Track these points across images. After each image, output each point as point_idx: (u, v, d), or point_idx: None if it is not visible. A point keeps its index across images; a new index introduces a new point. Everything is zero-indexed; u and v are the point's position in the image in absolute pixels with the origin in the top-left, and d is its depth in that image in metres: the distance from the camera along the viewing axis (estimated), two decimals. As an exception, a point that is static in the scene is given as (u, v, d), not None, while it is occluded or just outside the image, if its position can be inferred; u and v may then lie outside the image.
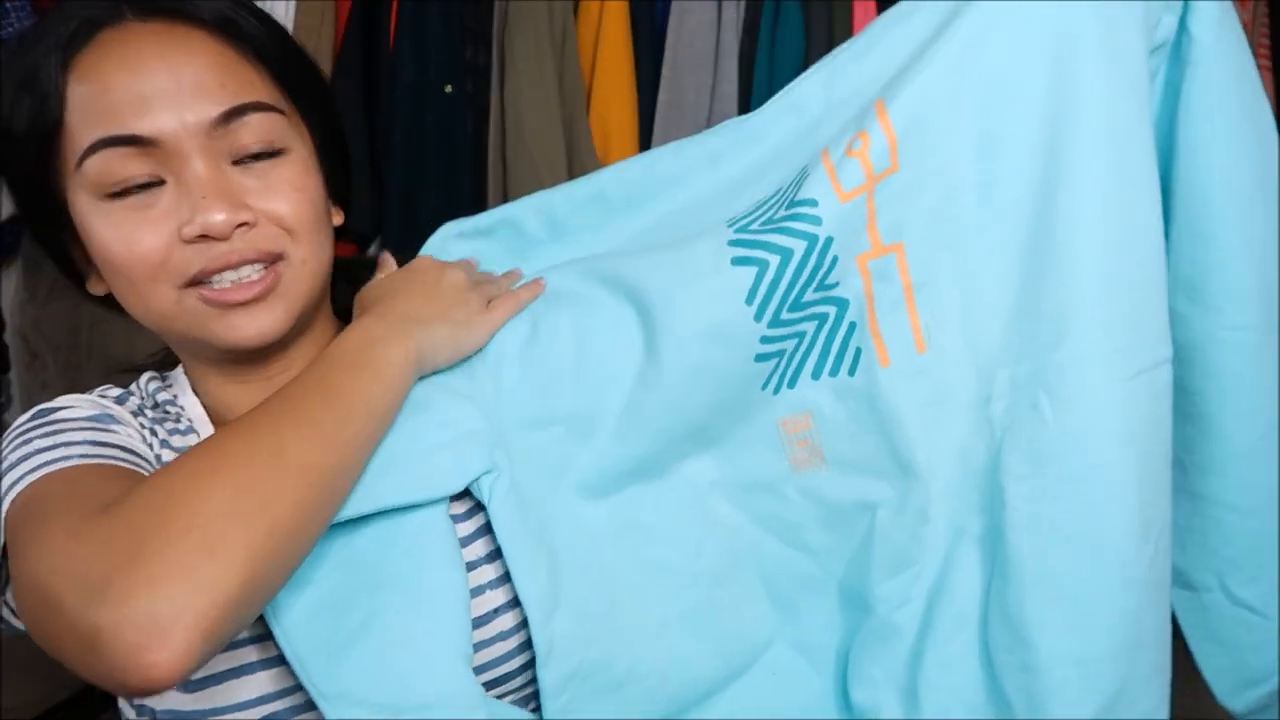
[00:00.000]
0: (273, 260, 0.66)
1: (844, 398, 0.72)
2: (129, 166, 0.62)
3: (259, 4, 0.71)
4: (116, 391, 0.71)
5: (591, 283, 0.75)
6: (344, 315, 0.77)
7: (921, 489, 0.71)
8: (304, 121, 0.71)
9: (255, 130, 0.66)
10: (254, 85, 0.66)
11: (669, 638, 0.71)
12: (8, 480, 0.60)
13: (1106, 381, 0.65)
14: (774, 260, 0.69)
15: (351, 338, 0.65)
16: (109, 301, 0.70)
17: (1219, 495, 0.75)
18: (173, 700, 0.61)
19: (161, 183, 0.63)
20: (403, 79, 1.92)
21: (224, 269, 0.64)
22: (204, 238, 0.63)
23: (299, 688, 0.61)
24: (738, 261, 0.69)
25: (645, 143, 1.97)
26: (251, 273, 0.65)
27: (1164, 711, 0.68)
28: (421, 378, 0.70)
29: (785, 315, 0.70)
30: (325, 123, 0.73)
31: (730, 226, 0.72)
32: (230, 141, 0.65)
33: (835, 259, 0.69)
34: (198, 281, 0.64)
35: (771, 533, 0.76)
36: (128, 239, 0.63)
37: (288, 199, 0.67)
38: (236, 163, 0.65)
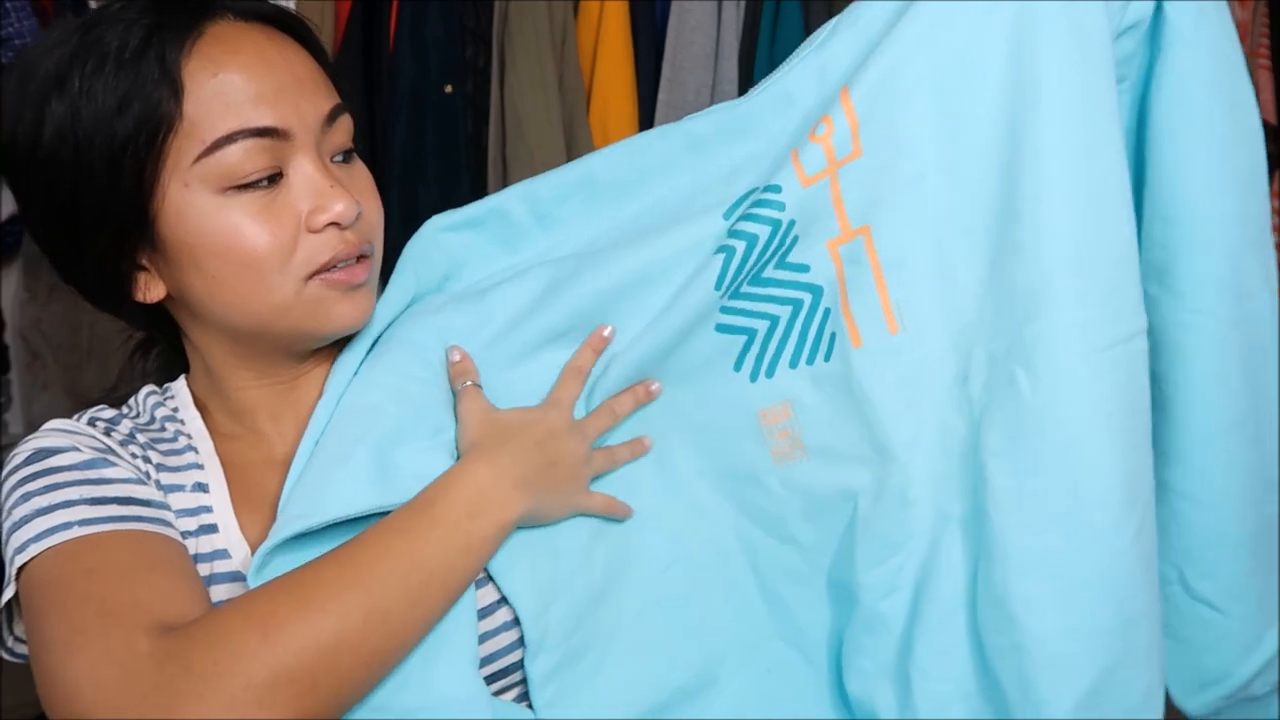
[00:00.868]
0: (364, 254, 0.68)
1: (821, 384, 0.72)
2: (258, 159, 0.62)
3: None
4: (109, 413, 0.70)
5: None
6: None
7: (900, 471, 0.70)
8: None
9: (344, 130, 0.68)
10: (331, 88, 0.68)
11: (646, 622, 0.71)
12: (15, 540, 0.60)
13: (1083, 353, 0.64)
14: (740, 246, 0.71)
15: (459, 496, 0.63)
16: (151, 309, 0.69)
17: (1178, 484, 0.73)
18: None
19: (281, 176, 0.64)
20: (403, 79, 1.92)
21: (349, 256, 0.66)
22: (331, 225, 0.64)
23: None
24: (717, 250, 0.72)
25: (645, 143, 1.97)
26: (354, 262, 0.67)
27: (1159, 691, 0.67)
28: (417, 379, 0.71)
29: (746, 289, 0.72)
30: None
31: (725, 218, 0.73)
32: (330, 139, 0.67)
33: (797, 238, 0.70)
34: (315, 273, 0.65)
35: (757, 524, 0.76)
36: (256, 232, 0.63)
37: (374, 198, 0.69)
38: (335, 159, 0.68)
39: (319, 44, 0.70)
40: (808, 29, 1.87)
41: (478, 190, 1.98)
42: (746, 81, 1.91)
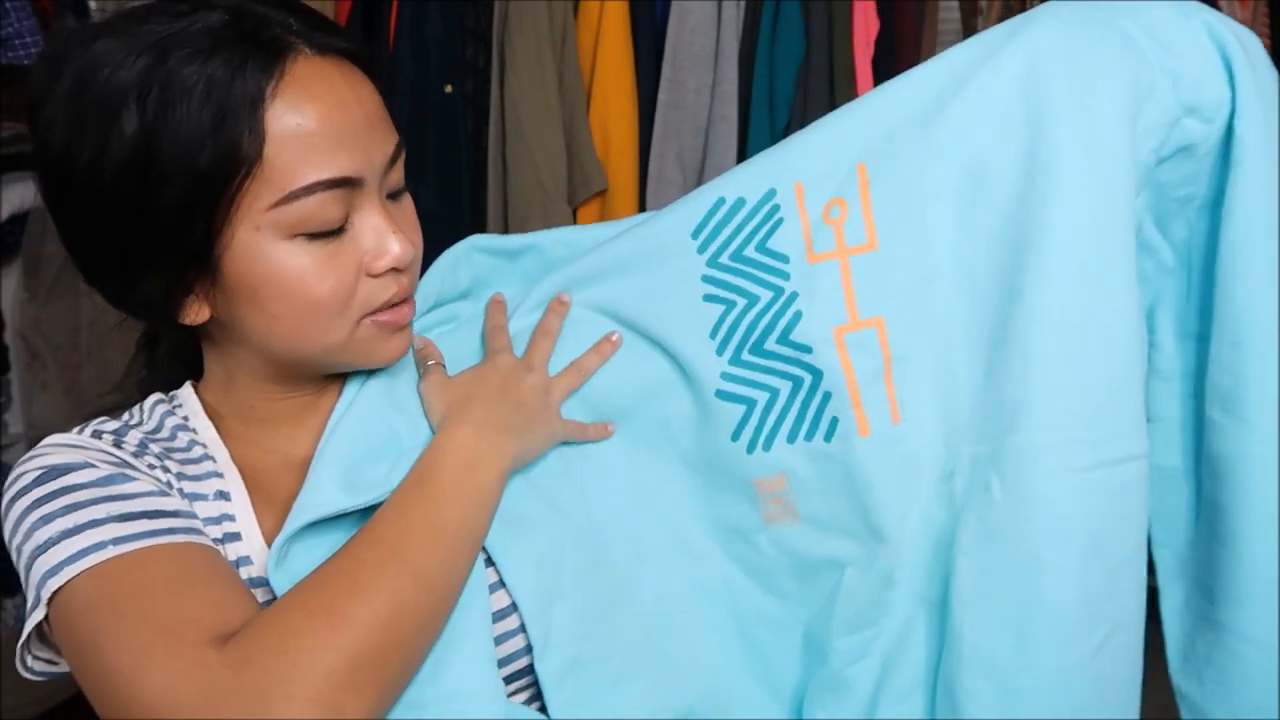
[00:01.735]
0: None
1: (819, 462, 0.74)
2: (331, 210, 0.62)
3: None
4: (113, 424, 0.69)
5: (583, 309, 0.80)
6: None
7: (889, 553, 0.72)
8: None
9: (400, 168, 0.68)
10: (393, 125, 0.68)
11: (652, 643, 0.73)
12: (43, 564, 0.59)
13: (1055, 471, 0.66)
14: (740, 302, 0.74)
15: (453, 457, 0.66)
16: (190, 333, 0.70)
17: (1241, 627, 0.71)
18: None
19: (347, 221, 0.64)
20: (403, 79, 1.92)
21: (405, 296, 0.68)
22: (393, 270, 0.66)
23: None
24: (708, 299, 0.75)
25: (645, 143, 1.97)
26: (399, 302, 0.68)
27: None
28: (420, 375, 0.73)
29: (746, 357, 0.74)
30: None
31: (700, 252, 0.75)
32: (390, 179, 0.67)
33: (799, 314, 0.73)
34: (372, 311, 0.66)
35: (745, 573, 0.78)
36: (318, 276, 0.63)
37: (417, 232, 0.70)
38: (388, 198, 0.68)
39: (380, 70, 0.70)
40: (808, 29, 1.87)
41: (478, 190, 1.98)
42: (746, 82, 1.91)
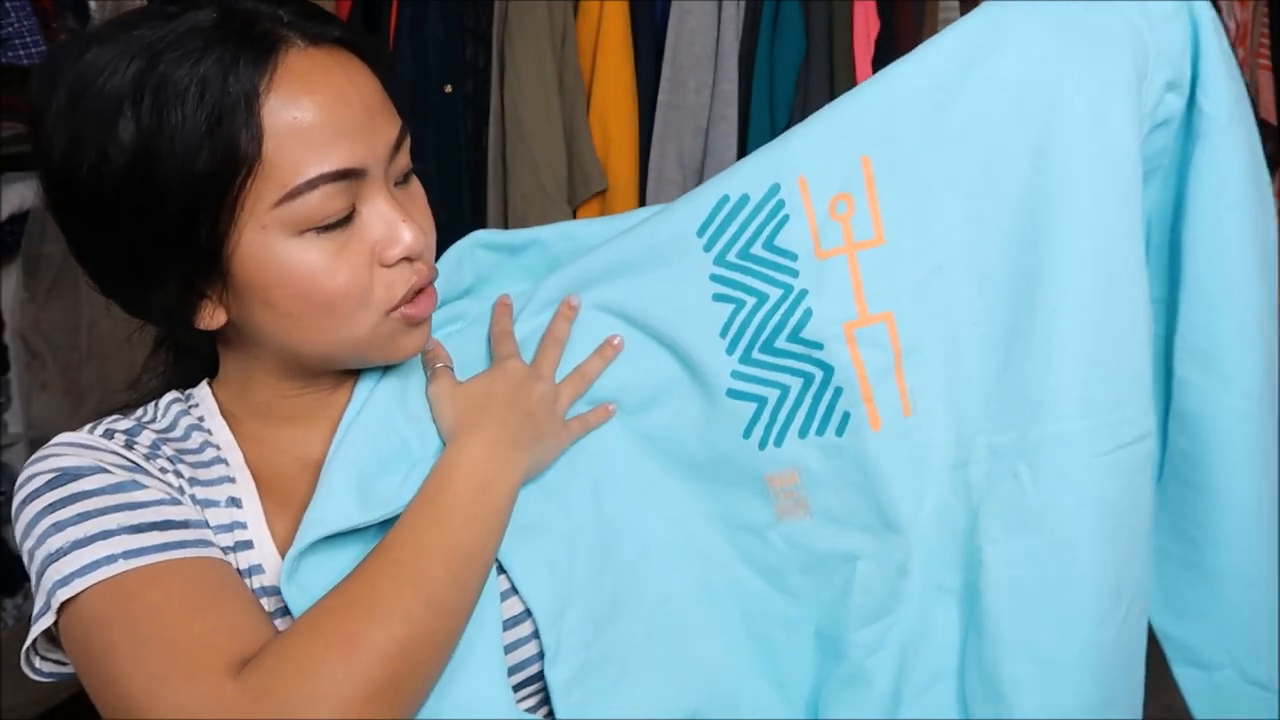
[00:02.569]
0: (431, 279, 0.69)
1: (831, 456, 0.74)
2: (336, 202, 0.61)
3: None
4: (126, 424, 0.68)
5: (590, 310, 0.80)
6: None
7: (902, 544, 0.73)
8: None
9: (406, 153, 0.67)
10: (393, 108, 0.67)
11: (655, 646, 0.73)
12: (55, 573, 0.58)
13: (1085, 457, 0.68)
14: (750, 301, 0.74)
15: (466, 474, 0.66)
16: (207, 335, 0.69)
17: (1225, 568, 0.75)
18: None
19: (354, 212, 0.63)
20: (403, 79, 1.92)
21: (425, 283, 0.67)
22: (404, 259, 0.65)
23: None
24: (718, 298, 0.75)
25: (645, 143, 1.97)
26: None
27: None
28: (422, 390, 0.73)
29: (757, 355, 0.74)
30: None
31: (706, 250, 0.75)
32: (395, 165, 0.66)
33: (809, 311, 0.73)
34: (398, 305, 0.66)
35: (754, 571, 0.78)
36: (330, 271, 0.62)
37: (430, 220, 0.69)
38: (397, 183, 0.67)
39: (381, 57, 0.68)
40: (808, 29, 1.87)
41: (478, 190, 1.98)
42: (746, 82, 1.91)
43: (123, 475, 0.62)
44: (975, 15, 0.71)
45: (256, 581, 0.64)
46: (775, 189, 0.73)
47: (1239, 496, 0.74)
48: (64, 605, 0.58)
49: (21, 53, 1.93)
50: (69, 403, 2.09)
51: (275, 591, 0.64)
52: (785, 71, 1.87)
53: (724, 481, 0.77)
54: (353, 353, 0.67)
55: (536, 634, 0.68)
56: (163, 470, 0.65)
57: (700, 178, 1.92)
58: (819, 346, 0.73)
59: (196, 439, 0.69)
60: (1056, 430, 0.68)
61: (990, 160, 0.70)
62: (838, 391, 0.73)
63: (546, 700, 0.68)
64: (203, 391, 0.72)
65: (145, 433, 0.67)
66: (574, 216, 1.97)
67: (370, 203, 0.63)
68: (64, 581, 0.58)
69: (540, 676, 0.68)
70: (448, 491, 0.65)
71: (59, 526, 0.59)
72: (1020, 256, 0.69)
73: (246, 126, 0.58)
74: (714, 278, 0.75)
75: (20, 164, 2.00)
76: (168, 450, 0.66)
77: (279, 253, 0.61)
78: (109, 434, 0.66)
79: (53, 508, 0.60)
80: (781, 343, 0.74)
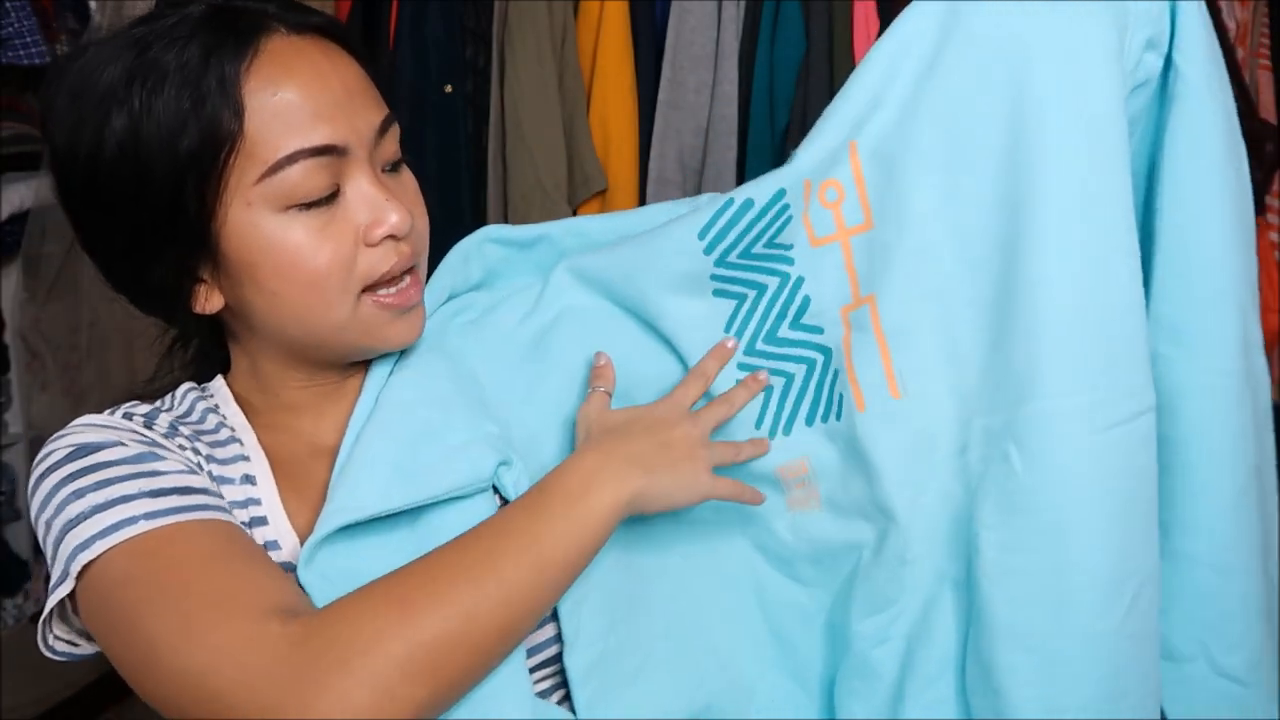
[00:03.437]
0: (412, 266, 0.69)
1: (835, 441, 0.74)
2: (318, 178, 0.63)
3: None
4: (144, 409, 0.69)
5: (598, 299, 0.79)
6: None
7: (899, 533, 0.72)
8: None
9: (393, 140, 0.68)
10: (379, 98, 0.69)
11: (672, 637, 0.73)
12: (74, 538, 0.59)
13: (1079, 435, 0.65)
14: (751, 294, 0.74)
15: (571, 477, 0.65)
16: (212, 328, 0.71)
17: (1202, 554, 0.72)
18: None
19: (338, 191, 0.64)
20: (403, 79, 1.92)
21: (405, 267, 0.67)
22: (388, 238, 0.65)
23: None
24: (718, 295, 0.75)
25: (645, 143, 1.97)
26: (404, 277, 0.68)
27: None
28: (448, 380, 0.72)
29: (761, 346, 0.75)
30: None
31: (706, 253, 0.75)
32: (382, 150, 0.67)
33: (808, 298, 0.73)
34: (368, 289, 0.66)
35: (768, 560, 0.78)
36: (314, 248, 0.63)
37: (420, 208, 0.70)
38: (385, 169, 0.68)
39: (366, 51, 0.70)
40: (808, 29, 1.87)
41: (478, 190, 1.98)
42: (746, 82, 1.90)
43: (141, 448, 0.63)
44: None
45: (274, 557, 0.65)
46: (781, 194, 0.73)
47: (1213, 479, 0.71)
48: (84, 572, 0.58)
49: (21, 53, 1.93)
50: (69, 403, 2.10)
51: (291, 569, 0.64)
52: (785, 71, 1.87)
53: (736, 474, 0.76)
54: (339, 338, 0.67)
55: (555, 616, 0.68)
56: (180, 447, 0.66)
57: (700, 178, 1.92)
58: (819, 331, 0.73)
59: (212, 421, 0.70)
60: (1045, 408, 0.65)
61: (966, 133, 0.68)
62: (835, 374, 0.73)
63: (563, 684, 0.68)
64: (218, 383, 0.74)
65: (163, 416, 0.69)
66: (574, 216, 1.97)
67: (354, 182, 0.65)
68: (84, 545, 0.58)
69: (556, 659, 0.68)
70: (547, 493, 0.64)
71: (79, 493, 0.60)
72: (1002, 231, 0.67)
73: (228, 105, 0.61)
74: (714, 277, 0.75)
75: (20, 164, 2.00)
76: (185, 430, 0.68)
77: (263, 229, 0.63)
78: (128, 416, 0.68)
79: (72, 477, 0.61)
80: (785, 331, 0.75)
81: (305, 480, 0.69)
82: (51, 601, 0.60)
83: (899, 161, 0.70)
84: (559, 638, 0.68)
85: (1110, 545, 0.65)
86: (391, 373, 0.72)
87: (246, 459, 0.68)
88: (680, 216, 0.77)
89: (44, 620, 0.63)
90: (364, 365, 0.73)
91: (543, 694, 0.68)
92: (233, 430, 0.70)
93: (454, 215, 1.96)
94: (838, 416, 0.73)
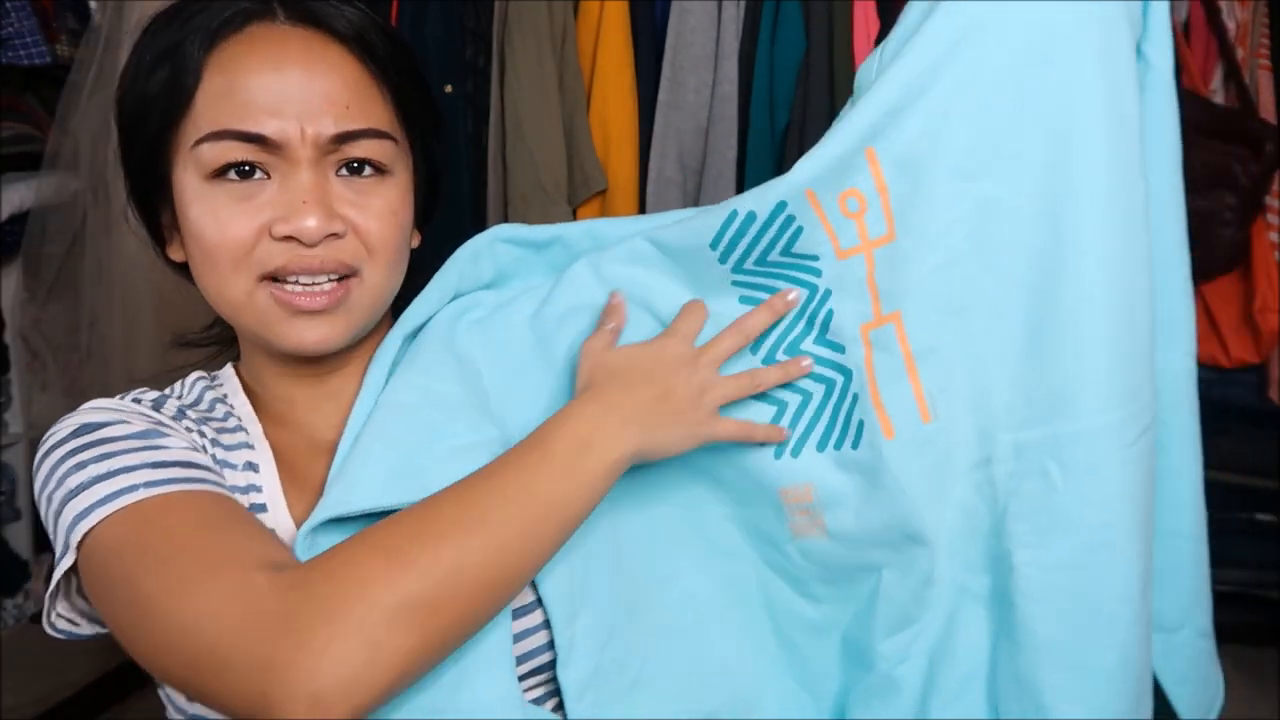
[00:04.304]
0: (347, 275, 0.67)
1: (849, 471, 0.71)
2: (233, 154, 0.64)
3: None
4: (152, 394, 0.70)
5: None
6: (396, 309, 0.76)
7: (928, 554, 0.70)
8: (411, 147, 0.72)
9: (366, 149, 0.67)
10: (375, 109, 0.67)
11: (674, 647, 0.72)
12: (75, 507, 0.59)
13: (1113, 450, 0.65)
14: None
15: (568, 433, 0.64)
16: (182, 270, 0.72)
17: (1185, 529, 0.75)
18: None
19: (265, 176, 0.65)
20: (403, 79, 1.92)
21: (303, 272, 0.65)
22: (292, 239, 0.64)
23: None
24: (744, 300, 0.73)
25: (645, 143, 1.97)
26: (325, 282, 0.66)
27: None
28: (451, 381, 0.71)
29: (781, 356, 0.72)
30: (430, 150, 0.75)
31: (721, 261, 0.72)
32: (340, 154, 0.66)
33: (831, 312, 0.70)
34: (273, 278, 0.65)
35: (778, 575, 0.77)
36: (221, 223, 0.64)
37: (381, 220, 0.67)
38: (341, 171, 0.67)
39: (384, 55, 0.68)
40: (808, 29, 1.87)
41: (478, 190, 1.98)
42: (746, 82, 1.91)
43: (147, 425, 0.64)
44: None
45: None
46: (782, 205, 0.69)
47: (1189, 456, 0.74)
48: (84, 541, 0.59)
49: (21, 53, 1.94)
50: (69, 403, 2.08)
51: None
52: (785, 71, 1.87)
53: (744, 488, 0.75)
54: (239, 320, 0.68)
55: (547, 624, 0.67)
56: (187, 429, 0.67)
57: (700, 178, 1.92)
58: (841, 350, 0.70)
59: (220, 409, 0.71)
60: (1087, 425, 0.65)
61: (1000, 141, 0.66)
62: (855, 399, 0.70)
63: (555, 692, 0.68)
64: (227, 371, 0.75)
65: (170, 402, 0.70)
66: (574, 216, 1.97)
67: (286, 177, 0.65)
68: (84, 514, 0.59)
69: (548, 668, 0.67)
70: (543, 444, 0.63)
71: (81, 465, 0.61)
72: (1036, 242, 0.66)
73: (190, 72, 0.64)
74: (735, 283, 0.73)
75: (20, 164, 2.00)
76: (192, 415, 0.69)
77: (192, 193, 0.65)
78: (136, 400, 0.69)
79: (75, 451, 0.62)
80: (807, 344, 0.72)
81: (305, 475, 0.69)
82: (56, 574, 0.61)
83: (926, 170, 0.67)
84: (551, 645, 0.67)
85: (1140, 555, 0.66)
86: (396, 371, 0.71)
87: (251, 447, 0.69)
88: (688, 220, 0.74)
89: (49, 595, 0.63)
90: (347, 365, 0.73)
91: (534, 703, 0.67)
92: (239, 419, 0.71)
93: (454, 215, 1.96)
94: (853, 444, 0.70)
